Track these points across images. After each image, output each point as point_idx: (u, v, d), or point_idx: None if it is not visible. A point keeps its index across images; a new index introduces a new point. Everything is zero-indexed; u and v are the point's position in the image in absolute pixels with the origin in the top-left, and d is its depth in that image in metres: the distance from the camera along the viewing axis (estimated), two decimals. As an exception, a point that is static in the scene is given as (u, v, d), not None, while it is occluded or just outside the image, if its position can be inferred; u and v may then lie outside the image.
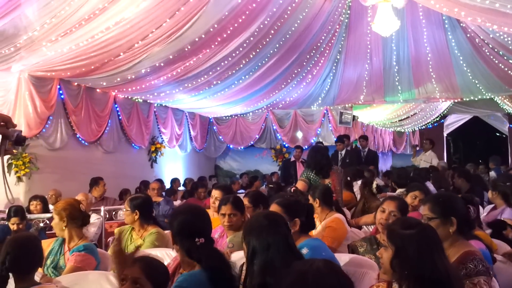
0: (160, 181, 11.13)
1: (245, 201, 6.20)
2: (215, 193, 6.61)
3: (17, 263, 3.61)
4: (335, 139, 14.93)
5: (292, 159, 14.01)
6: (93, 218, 7.85)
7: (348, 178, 8.93)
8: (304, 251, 3.90)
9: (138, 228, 5.62)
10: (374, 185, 7.77)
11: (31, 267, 3.71)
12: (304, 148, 15.13)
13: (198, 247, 3.57)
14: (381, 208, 4.84)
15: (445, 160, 19.51)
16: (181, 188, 14.06)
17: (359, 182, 10.28)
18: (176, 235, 3.71)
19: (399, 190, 7.78)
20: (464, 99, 16.55)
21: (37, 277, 4.04)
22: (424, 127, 21.81)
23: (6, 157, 9.18)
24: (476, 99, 16.26)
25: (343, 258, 4.31)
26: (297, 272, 2.19)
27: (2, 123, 2.42)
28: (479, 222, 4.65)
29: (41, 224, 6.95)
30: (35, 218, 7.10)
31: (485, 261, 3.40)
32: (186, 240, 3.63)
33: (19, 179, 9.87)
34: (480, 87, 15.06)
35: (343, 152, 13.49)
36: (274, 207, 4.34)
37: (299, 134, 17.77)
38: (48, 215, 7.18)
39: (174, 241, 3.74)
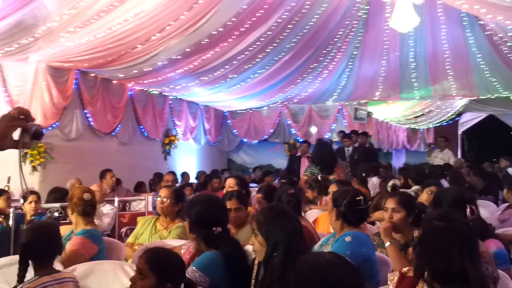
0: (173, 174, 11.17)
1: (258, 196, 6.22)
2: (230, 181, 6.67)
3: (38, 250, 3.61)
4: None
5: (299, 154, 13.82)
6: (107, 208, 7.89)
7: (363, 174, 8.90)
8: (347, 238, 3.94)
9: (169, 219, 5.62)
10: (390, 184, 7.73)
11: (51, 255, 3.71)
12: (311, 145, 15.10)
13: (215, 235, 3.64)
14: (384, 207, 4.79)
15: (459, 157, 19.43)
16: (192, 181, 14.06)
17: (373, 178, 10.28)
18: (194, 224, 3.78)
19: (415, 187, 7.74)
20: (481, 97, 16.45)
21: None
22: (439, 124, 21.71)
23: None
24: (492, 97, 16.16)
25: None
26: (311, 264, 2.20)
27: (21, 117, 2.44)
28: (482, 222, 4.57)
29: (56, 214, 6.96)
30: (49, 207, 7.12)
31: (492, 264, 3.38)
32: (204, 229, 3.71)
33: (34, 168, 9.93)
34: (497, 85, 14.96)
35: (350, 148, 13.37)
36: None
37: (313, 129, 17.75)
38: (63, 203, 7.21)
39: (191, 229, 3.81)
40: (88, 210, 4.86)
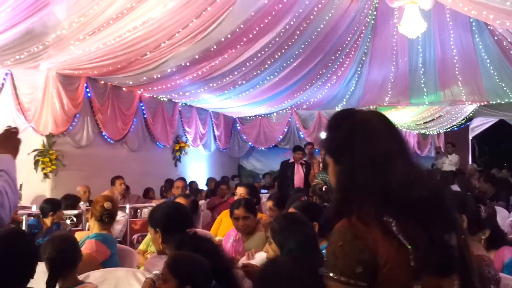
0: (184, 180, 11.18)
1: (269, 204, 6.21)
2: (240, 190, 6.66)
3: (64, 262, 3.65)
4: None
5: (291, 160, 13.41)
6: (119, 215, 7.89)
7: None
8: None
9: None
10: None
11: (74, 265, 3.74)
12: (316, 150, 14.99)
13: (190, 237, 3.53)
14: None
15: (470, 163, 19.40)
16: (202, 187, 14.06)
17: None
18: (166, 232, 3.66)
19: None
20: (491, 102, 16.41)
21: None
22: (449, 130, 21.63)
23: (32, 154, 9.35)
24: (502, 102, 16.11)
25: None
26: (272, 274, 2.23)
27: None
28: (494, 224, 4.53)
29: (68, 221, 6.99)
30: (66, 215, 7.14)
31: (494, 268, 3.35)
32: (178, 233, 3.58)
33: (46, 175, 9.96)
34: (507, 90, 14.92)
35: None
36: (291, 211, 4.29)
37: (323, 135, 17.67)
38: (75, 211, 7.25)
39: (164, 240, 3.67)
40: (105, 218, 4.91)
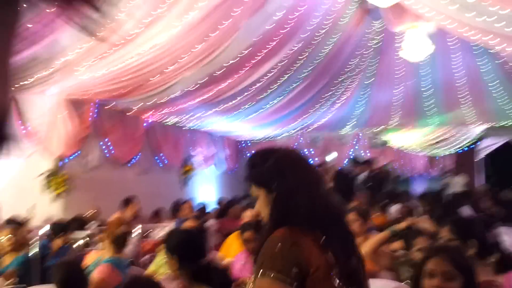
0: (191, 201, 11.27)
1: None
2: (248, 214, 6.69)
3: (76, 284, 3.76)
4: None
5: None
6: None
7: (386, 201, 8.90)
8: None
9: None
10: None
11: None
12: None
13: (205, 267, 3.56)
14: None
15: (480, 184, 19.42)
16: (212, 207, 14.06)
17: (393, 206, 10.25)
18: (182, 260, 3.65)
19: None
20: (497, 125, 16.42)
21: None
22: (457, 151, 21.58)
23: (43, 176, 9.40)
24: (508, 124, 16.13)
25: (377, 284, 4.34)
26: None
27: None
28: (502, 247, 4.54)
29: (81, 242, 7.06)
30: (75, 238, 7.23)
31: None
32: (193, 262, 3.59)
33: (57, 197, 10.07)
34: (510, 113, 14.97)
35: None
36: None
37: (331, 157, 17.74)
38: (86, 232, 7.34)
39: (180, 266, 3.66)
40: (118, 241, 5.01)
